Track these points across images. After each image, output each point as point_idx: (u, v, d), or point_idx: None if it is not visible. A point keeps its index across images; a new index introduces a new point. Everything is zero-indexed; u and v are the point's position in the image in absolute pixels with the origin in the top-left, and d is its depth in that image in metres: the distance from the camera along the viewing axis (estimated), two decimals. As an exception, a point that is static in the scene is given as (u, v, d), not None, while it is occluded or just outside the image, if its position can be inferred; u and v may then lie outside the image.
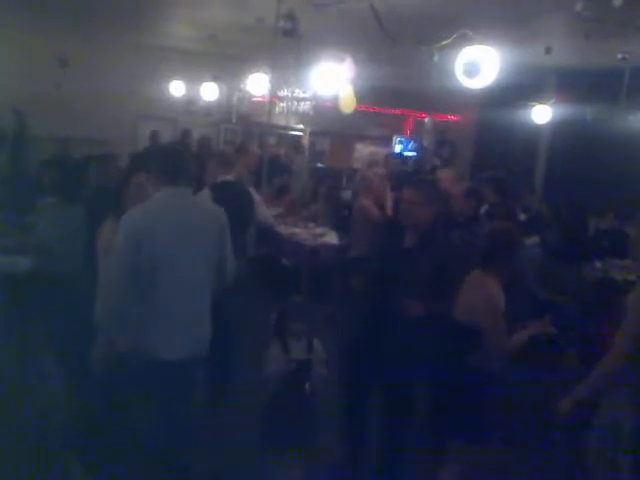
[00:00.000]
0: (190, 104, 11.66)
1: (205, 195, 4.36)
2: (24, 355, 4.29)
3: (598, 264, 6.27)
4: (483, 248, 3.28)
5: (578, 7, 4.94)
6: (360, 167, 9.25)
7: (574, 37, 6.36)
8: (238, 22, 7.79)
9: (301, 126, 12.87)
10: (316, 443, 3.38)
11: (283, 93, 9.98)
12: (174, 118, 11.71)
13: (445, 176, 6.06)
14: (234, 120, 12.18)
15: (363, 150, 12.94)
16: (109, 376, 3.26)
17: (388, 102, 12.69)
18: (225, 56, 10.73)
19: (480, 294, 3.17)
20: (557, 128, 10.17)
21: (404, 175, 8.43)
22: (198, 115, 11.82)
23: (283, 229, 7.49)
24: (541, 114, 9.36)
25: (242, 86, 10.47)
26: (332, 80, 6.92)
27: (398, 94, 12.33)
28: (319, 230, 7.51)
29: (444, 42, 5.60)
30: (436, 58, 5.93)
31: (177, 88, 11.21)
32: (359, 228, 5.60)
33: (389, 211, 5.73)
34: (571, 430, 3.09)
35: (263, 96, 9.58)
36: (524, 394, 4.18)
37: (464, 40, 5.25)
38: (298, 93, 10.02)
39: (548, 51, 6.91)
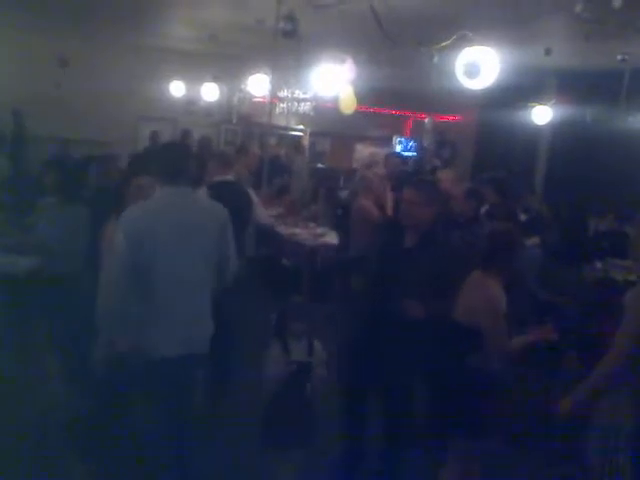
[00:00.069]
0: (190, 105, 11.67)
1: (202, 194, 4.37)
2: (25, 355, 4.29)
3: (598, 265, 6.27)
4: (484, 249, 3.28)
5: (578, 8, 4.94)
6: (358, 168, 9.22)
7: (574, 38, 6.37)
8: (238, 23, 7.80)
9: (301, 127, 12.88)
10: (316, 445, 3.37)
11: (283, 94, 9.99)
12: (174, 119, 11.71)
13: (445, 177, 6.06)
14: (234, 121, 12.19)
15: (363, 151, 12.95)
16: (110, 375, 3.27)
17: (388, 103, 12.70)
18: (225, 57, 10.74)
19: (481, 295, 3.18)
20: (557, 129, 10.18)
21: (404, 175, 8.43)
22: (198, 116, 11.83)
23: (283, 229, 7.50)
24: (541, 115, 9.37)
25: (242, 87, 10.49)
26: (332, 81, 6.94)
27: (398, 95, 12.34)
28: (319, 230, 7.52)
29: (444, 43, 5.61)
30: (436, 59, 5.94)
31: (177, 89, 11.22)
32: (358, 228, 5.59)
33: (389, 211, 5.73)
34: (571, 430, 3.09)
35: (263, 97, 9.59)
36: (525, 394, 4.19)
37: (464, 41, 5.26)
38: (298, 94, 10.03)
39: (548, 52, 6.92)
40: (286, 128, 12.21)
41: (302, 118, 12.10)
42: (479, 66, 5.07)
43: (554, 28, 6.82)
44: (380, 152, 11.64)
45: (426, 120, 13.35)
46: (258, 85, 8.81)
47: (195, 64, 11.05)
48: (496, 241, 3.26)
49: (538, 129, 10.21)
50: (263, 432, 3.27)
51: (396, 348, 3.33)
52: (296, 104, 10.26)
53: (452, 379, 3.21)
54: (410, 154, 13.26)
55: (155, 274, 2.91)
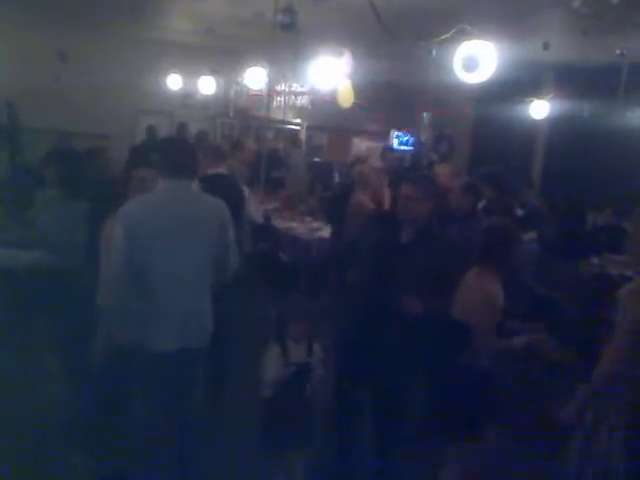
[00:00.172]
0: (187, 98, 11.62)
1: (194, 187, 4.36)
2: (26, 350, 4.27)
3: (595, 260, 6.28)
4: (481, 244, 3.28)
5: (576, 3, 4.94)
6: (349, 162, 9.17)
7: (572, 33, 6.36)
8: (236, 16, 7.77)
9: (299, 120, 12.85)
10: (316, 448, 3.36)
11: (281, 87, 9.98)
12: (171, 112, 11.67)
13: (443, 171, 6.05)
14: (231, 114, 12.16)
15: (360, 144, 12.93)
16: (109, 369, 3.28)
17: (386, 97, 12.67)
18: (223, 50, 10.69)
19: (478, 291, 3.17)
20: (555, 124, 10.16)
21: (402, 170, 8.42)
22: (195, 109, 11.79)
23: (280, 223, 7.50)
24: (539, 109, 9.36)
25: (240, 80, 10.47)
26: (330, 74, 6.91)
27: (396, 89, 12.30)
28: (315, 224, 7.51)
29: (442, 37, 5.60)
30: (434, 53, 5.93)
31: (174, 82, 11.18)
32: (355, 223, 5.59)
33: (386, 206, 5.73)
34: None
35: (261, 90, 9.56)
36: (521, 391, 4.19)
37: (462, 35, 5.25)
38: (296, 87, 10.02)
39: (546, 47, 6.91)
40: (283, 122, 12.17)
41: (299, 111, 12.08)
42: (477, 60, 5.07)
43: (552, 22, 6.81)
44: (376, 146, 11.66)
45: (424, 114, 13.33)
46: (255, 78, 8.78)
47: (192, 57, 11.00)
48: (493, 236, 3.26)
49: (536, 124, 10.20)
50: (262, 433, 3.24)
51: (389, 343, 3.33)
52: (293, 97, 10.26)
53: (443, 375, 3.21)
54: (407, 148, 13.25)
55: (154, 268, 2.91)
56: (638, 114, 7.90)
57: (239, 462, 3.70)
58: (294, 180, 9.17)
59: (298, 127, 12.92)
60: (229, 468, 3.65)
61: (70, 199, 4.06)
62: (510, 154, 10.92)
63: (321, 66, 6.82)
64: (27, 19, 9.28)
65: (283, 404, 3.14)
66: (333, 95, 7.79)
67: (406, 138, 13.60)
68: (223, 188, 4.49)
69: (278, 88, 9.99)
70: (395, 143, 13.47)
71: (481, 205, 5.16)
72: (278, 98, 10.31)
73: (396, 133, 13.61)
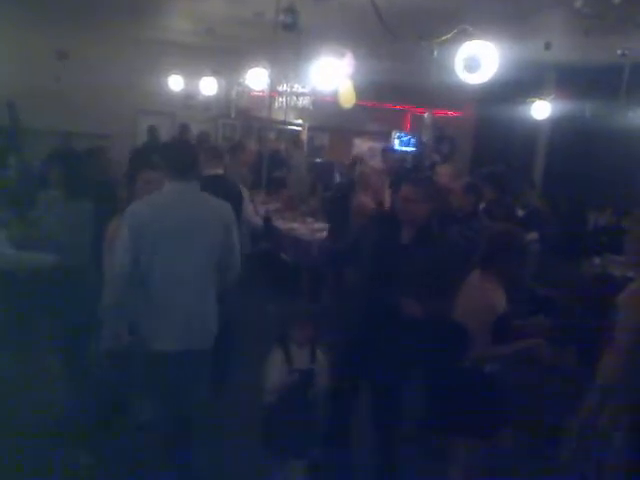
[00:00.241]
0: (189, 99, 11.62)
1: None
2: (30, 351, 4.27)
3: (597, 260, 6.28)
4: (483, 249, 3.24)
5: (578, 3, 4.93)
6: (348, 162, 9.15)
7: (574, 33, 6.35)
8: (237, 16, 7.77)
9: (300, 121, 12.85)
10: (320, 452, 3.36)
11: (282, 88, 9.96)
12: (172, 113, 11.68)
13: (444, 172, 6.05)
14: (233, 115, 12.16)
15: (362, 145, 12.93)
16: (114, 370, 3.29)
17: (387, 97, 12.67)
18: (224, 50, 10.69)
19: (478, 297, 3.15)
20: (556, 124, 10.16)
21: (403, 171, 8.42)
22: (197, 110, 11.79)
23: (281, 224, 7.49)
24: (540, 110, 9.35)
25: (241, 81, 10.45)
26: (331, 75, 6.90)
27: (398, 89, 12.31)
28: (317, 225, 7.50)
29: (444, 37, 5.59)
30: (436, 53, 5.92)
31: (176, 82, 11.18)
32: (358, 224, 5.58)
33: (387, 207, 5.72)
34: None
35: (262, 91, 9.56)
36: (524, 393, 4.18)
37: (464, 35, 5.24)
38: (297, 88, 10.00)
39: (548, 47, 6.90)
40: (285, 122, 12.18)
41: (301, 112, 12.07)
42: (479, 60, 5.06)
43: (554, 23, 6.80)
44: (376, 147, 11.66)
45: (425, 115, 13.33)
46: (257, 79, 8.77)
47: (193, 58, 11.00)
48: (496, 242, 3.22)
49: (537, 124, 10.19)
50: (264, 441, 3.23)
51: (387, 344, 3.32)
52: (295, 98, 10.24)
53: (441, 377, 3.20)
54: (409, 149, 13.25)
55: (160, 269, 2.93)
56: (640, 114, 7.89)
57: (240, 466, 3.68)
58: (295, 181, 9.17)
59: (300, 128, 12.92)
60: (230, 471, 3.64)
61: (72, 199, 4.06)
62: (512, 154, 10.92)
63: (323, 67, 6.81)
64: (27, 19, 9.29)
65: (286, 412, 3.11)
66: (335, 96, 7.78)
67: (408, 139, 13.61)
68: (220, 189, 4.47)
69: (279, 89, 9.97)
70: (396, 144, 13.48)
71: (482, 208, 5.15)
72: (280, 99, 10.29)
73: (398, 134, 13.62)
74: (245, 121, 12.26)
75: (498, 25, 5.69)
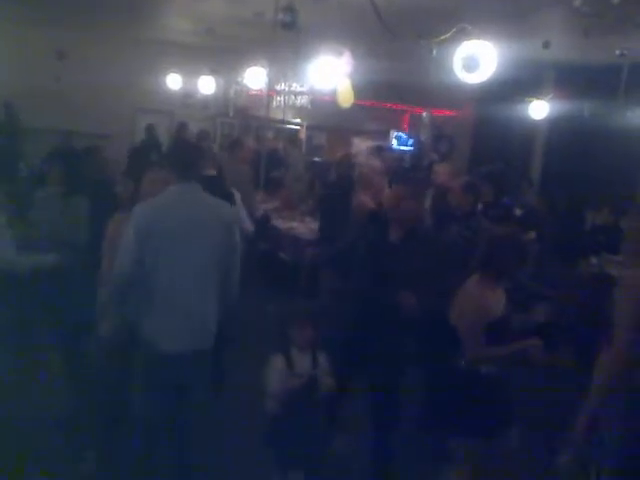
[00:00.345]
0: (187, 97, 11.63)
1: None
2: (34, 351, 4.26)
3: (594, 259, 6.28)
4: (482, 252, 3.23)
5: (577, 2, 4.93)
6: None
7: (572, 32, 6.35)
8: (236, 15, 7.76)
9: (298, 120, 12.84)
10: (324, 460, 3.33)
11: (281, 87, 9.96)
12: (171, 111, 11.68)
13: (443, 171, 6.05)
14: (231, 113, 12.16)
15: (360, 144, 12.92)
16: (113, 369, 3.29)
17: (386, 96, 12.67)
18: (223, 49, 10.69)
19: (474, 299, 3.14)
20: (554, 123, 10.17)
21: (401, 170, 8.41)
22: (195, 108, 11.80)
23: (280, 223, 7.49)
24: (539, 109, 9.36)
25: (239, 79, 10.46)
26: (330, 74, 6.90)
27: (396, 88, 12.31)
28: (316, 224, 7.49)
29: (443, 36, 5.59)
30: (435, 52, 5.92)
31: (174, 81, 11.18)
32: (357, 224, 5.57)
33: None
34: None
35: (260, 90, 9.56)
36: (522, 394, 4.18)
37: (463, 34, 5.24)
38: (296, 87, 10.00)
39: (546, 46, 6.90)
40: (283, 121, 12.17)
41: (299, 111, 12.07)
42: (478, 60, 5.06)
43: (553, 22, 6.80)
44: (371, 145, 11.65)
45: (424, 114, 13.33)
46: (255, 78, 8.77)
47: (192, 57, 11.00)
48: (495, 245, 3.21)
49: (535, 123, 10.19)
50: (267, 447, 3.21)
51: (380, 343, 3.34)
52: (293, 97, 10.24)
53: (433, 375, 3.20)
54: (407, 148, 13.25)
55: (164, 269, 2.93)
56: (638, 114, 7.89)
57: (240, 471, 3.67)
58: (294, 180, 9.17)
59: (298, 127, 12.91)
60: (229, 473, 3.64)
61: (71, 197, 4.05)
62: (510, 154, 10.92)
63: (321, 66, 6.81)
64: (27, 19, 9.28)
65: (289, 418, 3.08)
66: (333, 95, 7.77)
67: (406, 138, 13.61)
68: (210, 191, 4.46)
69: (278, 88, 9.98)
70: (395, 143, 13.48)
71: (480, 206, 5.15)
72: (278, 98, 10.30)
73: (396, 133, 13.61)
74: (243, 120, 12.26)
75: (497, 24, 5.69)
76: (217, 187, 4.66)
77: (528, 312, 3.53)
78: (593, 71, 8.78)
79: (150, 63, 10.86)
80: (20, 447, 3.54)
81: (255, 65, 8.63)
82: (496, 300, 3.12)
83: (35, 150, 7.11)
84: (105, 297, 3.28)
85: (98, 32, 10.01)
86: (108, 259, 3.23)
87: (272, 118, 11.15)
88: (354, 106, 8.11)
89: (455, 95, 10.04)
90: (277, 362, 3.15)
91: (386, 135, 13.42)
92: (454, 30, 5.38)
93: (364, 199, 5.60)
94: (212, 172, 4.86)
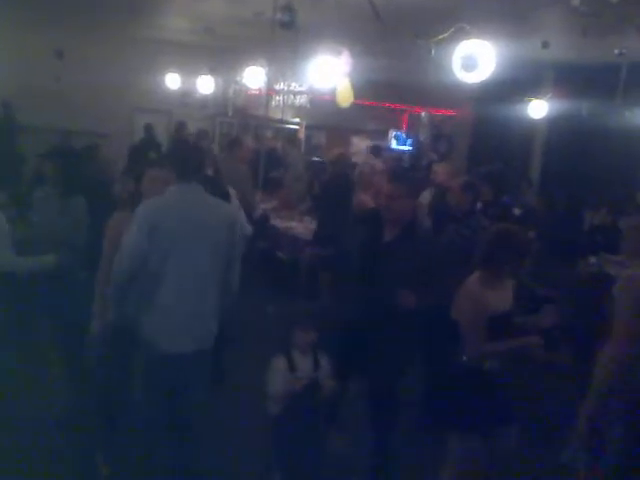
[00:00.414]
0: (185, 97, 11.61)
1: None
2: (29, 349, 4.26)
3: (592, 259, 6.28)
4: (483, 249, 3.23)
5: (575, 2, 4.93)
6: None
7: (571, 32, 6.35)
8: (235, 14, 7.75)
9: (297, 119, 12.83)
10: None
11: (279, 86, 9.95)
12: (169, 111, 11.67)
13: (442, 170, 6.06)
14: (230, 113, 12.15)
15: (360, 144, 12.92)
16: (113, 367, 3.30)
17: (385, 96, 12.67)
18: (221, 49, 10.68)
19: (473, 295, 3.14)
20: (553, 123, 10.17)
21: (397, 169, 8.40)
22: (194, 108, 11.78)
23: (279, 223, 7.49)
24: (537, 109, 9.36)
25: (238, 79, 10.44)
26: (329, 73, 6.89)
27: (395, 88, 12.31)
28: (314, 224, 7.49)
29: (441, 36, 5.59)
30: (433, 52, 5.91)
31: (173, 81, 11.16)
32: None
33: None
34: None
35: (259, 89, 9.55)
36: (522, 392, 4.18)
37: (461, 34, 5.23)
38: (295, 86, 10.00)
39: (545, 46, 6.91)
40: (282, 121, 12.17)
41: (298, 111, 12.07)
42: (476, 59, 5.05)
43: (551, 21, 6.81)
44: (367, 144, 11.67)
45: (423, 114, 13.33)
46: (254, 77, 8.76)
47: (191, 56, 10.99)
48: (496, 241, 3.20)
49: (534, 123, 10.20)
50: (268, 452, 3.21)
51: (378, 341, 3.33)
52: (292, 96, 10.24)
53: (437, 373, 3.20)
54: (406, 148, 13.26)
55: (168, 268, 2.94)
56: (637, 114, 7.90)
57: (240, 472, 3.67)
58: (293, 179, 9.17)
59: (297, 126, 12.91)
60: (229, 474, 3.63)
61: (69, 197, 4.04)
62: (509, 153, 10.92)
63: (320, 65, 6.80)
64: (26, 19, 9.27)
65: (292, 421, 3.08)
66: (332, 94, 7.77)
67: (405, 137, 13.61)
68: (208, 190, 4.45)
69: (277, 87, 9.97)
70: (394, 142, 13.49)
71: (479, 206, 5.15)
72: (277, 97, 10.30)
73: (395, 132, 13.61)
74: (242, 119, 12.25)
75: (496, 24, 5.69)
76: (213, 186, 4.66)
77: (536, 315, 3.50)
78: (592, 71, 8.78)
79: (148, 62, 10.85)
80: (19, 449, 3.53)
81: (254, 64, 8.63)
82: (497, 297, 3.12)
83: (33, 150, 7.10)
84: (100, 295, 3.28)
85: (96, 31, 10.00)
86: (108, 258, 3.23)
87: (271, 117, 11.15)
88: (353, 106, 8.10)
89: (454, 95, 10.04)
90: (278, 364, 3.14)
91: (385, 134, 13.42)
92: (453, 29, 5.37)
93: (364, 199, 5.61)
94: (209, 171, 4.86)
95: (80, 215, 4.01)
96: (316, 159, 12.08)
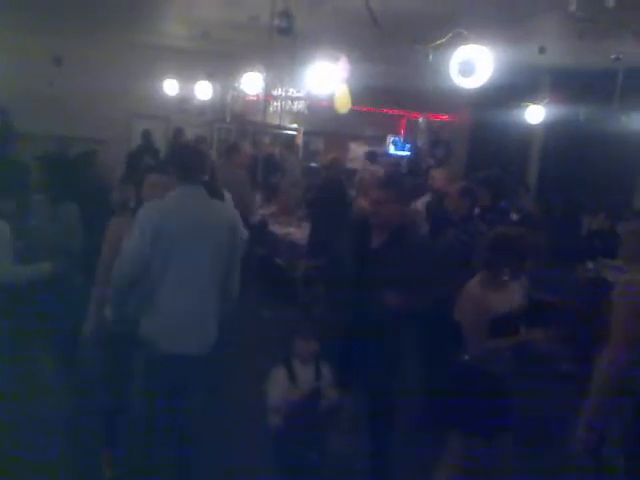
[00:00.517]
0: (183, 103, 11.62)
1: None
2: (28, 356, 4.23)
3: (590, 264, 6.29)
4: (486, 252, 3.23)
5: (572, 7, 4.94)
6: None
7: (568, 37, 6.38)
8: (232, 20, 7.77)
9: (295, 125, 12.85)
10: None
11: (277, 92, 9.95)
12: (167, 117, 11.67)
13: (439, 176, 6.06)
14: (228, 119, 12.14)
15: (357, 150, 12.94)
16: (113, 368, 3.29)
17: (382, 102, 12.69)
18: (219, 55, 10.69)
19: (475, 297, 3.15)
20: (550, 128, 10.20)
21: (389, 175, 8.40)
22: (191, 114, 11.79)
23: (277, 229, 7.48)
24: (535, 114, 9.38)
25: (236, 85, 10.44)
26: (327, 79, 6.90)
27: (393, 94, 12.33)
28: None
29: (439, 41, 5.60)
30: (431, 57, 5.92)
31: (170, 87, 11.17)
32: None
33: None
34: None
35: (257, 95, 9.55)
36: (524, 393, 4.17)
37: (459, 39, 5.24)
38: (292, 92, 10.00)
39: (542, 51, 6.93)
40: (280, 127, 12.17)
41: (296, 117, 12.08)
42: (474, 64, 5.06)
43: (548, 27, 6.83)
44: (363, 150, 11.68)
45: (420, 119, 13.35)
46: (252, 83, 8.77)
47: (188, 62, 11.00)
48: (497, 244, 3.21)
49: (531, 128, 10.22)
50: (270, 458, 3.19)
51: (374, 345, 3.32)
52: (290, 102, 10.24)
53: (437, 374, 3.19)
54: (404, 153, 13.28)
55: (168, 271, 2.94)
56: (633, 118, 7.92)
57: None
58: (290, 185, 9.17)
59: (295, 132, 12.92)
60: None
61: (60, 203, 4.01)
62: (506, 158, 10.94)
63: (318, 71, 6.81)
64: (23, 25, 9.28)
65: (293, 432, 3.06)
66: (330, 100, 7.78)
67: (403, 143, 13.64)
68: None
69: (275, 93, 9.97)
70: (392, 148, 13.51)
71: (477, 212, 5.15)
72: (275, 103, 10.29)
73: (393, 138, 13.64)
74: (240, 125, 12.25)
75: (493, 29, 5.70)
76: (208, 191, 4.65)
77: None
78: (589, 76, 8.81)
79: (146, 68, 10.86)
80: (22, 454, 3.52)
81: (252, 70, 8.64)
82: (499, 298, 3.13)
83: (31, 156, 7.09)
84: (95, 298, 3.28)
85: (94, 37, 10.01)
86: (106, 262, 3.23)
87: (269, 123, 11.15)
88: (351, 111, 8.12)
89: (451, 100, 10.06)
90: (279, 374, 3.12)
91: (383, 140, 13.44)
92: (450, 35, 5.38)
93: (364, 205, 5.60)
94: (204, 176, 4.85)
95: (72, 221, 3.97)
96: (314, 165, 12.09)
